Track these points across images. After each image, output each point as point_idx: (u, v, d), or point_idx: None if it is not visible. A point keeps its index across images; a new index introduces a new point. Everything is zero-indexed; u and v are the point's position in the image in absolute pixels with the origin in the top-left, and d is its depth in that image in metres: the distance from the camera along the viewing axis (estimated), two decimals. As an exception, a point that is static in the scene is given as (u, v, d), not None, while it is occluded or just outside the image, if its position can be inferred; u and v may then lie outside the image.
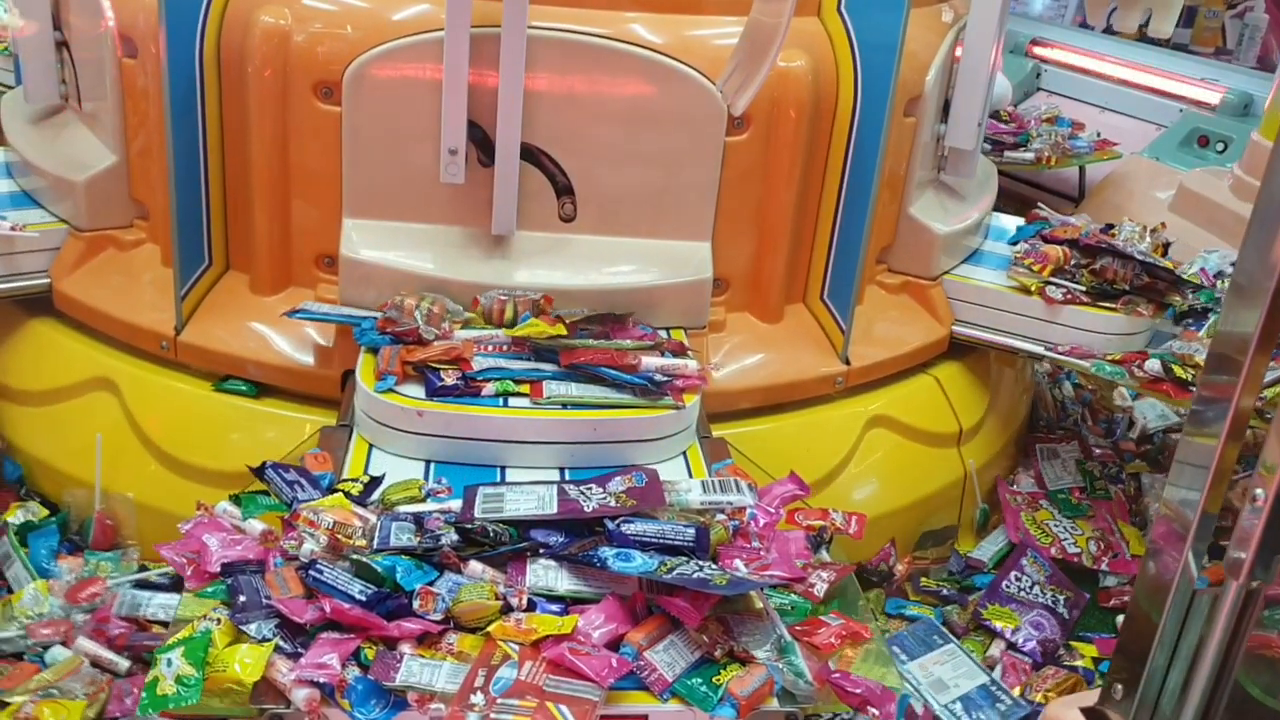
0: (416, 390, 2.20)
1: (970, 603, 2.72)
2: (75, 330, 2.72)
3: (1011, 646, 2.60)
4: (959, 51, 2.93)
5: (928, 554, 2.92)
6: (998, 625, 2.62)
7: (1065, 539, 2.93)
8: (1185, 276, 3.16)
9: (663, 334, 2.49)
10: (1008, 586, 2.72)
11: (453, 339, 2.31)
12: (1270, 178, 1.32)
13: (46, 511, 2.57)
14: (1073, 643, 2.65)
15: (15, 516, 2.52)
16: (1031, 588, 2.73)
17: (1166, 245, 3.15)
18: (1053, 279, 2.97)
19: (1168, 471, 1.56)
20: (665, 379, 2.26)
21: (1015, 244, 3.13)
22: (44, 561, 2.45)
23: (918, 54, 2.79)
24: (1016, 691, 2.46)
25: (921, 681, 2.46)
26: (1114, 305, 2.93)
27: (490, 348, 2.32)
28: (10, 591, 2.39)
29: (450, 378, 2.21)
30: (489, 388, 2.21)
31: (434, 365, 2.23)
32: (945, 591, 2.77)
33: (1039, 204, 3.40)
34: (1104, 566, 2.88)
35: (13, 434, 2.69)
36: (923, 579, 2.81)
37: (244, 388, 2.56)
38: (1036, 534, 2.93)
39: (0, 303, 2.77)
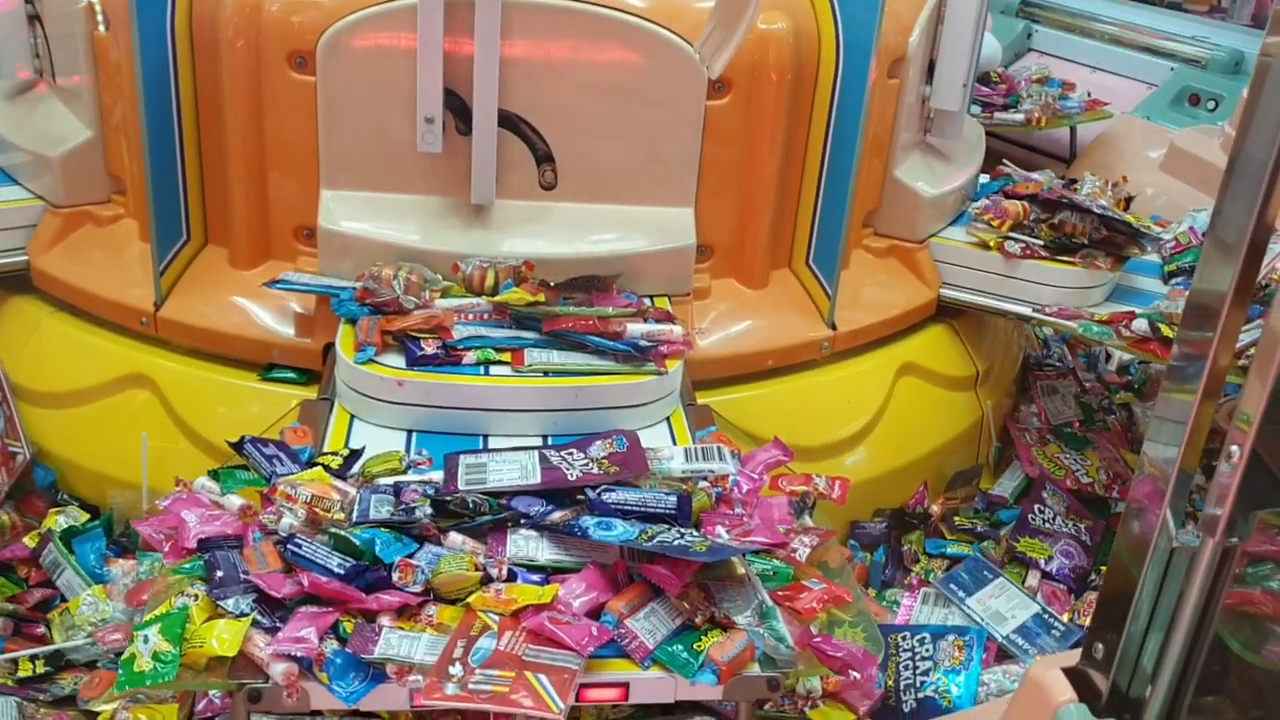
0: (397, 360, 2.18)
1: (1002, 537, 2.81)
2: (98, 327, 2.65)
3: (1046, 575, 2.69)
4: (944, 11, 2.90)
5: (957, 494, 3.02)
6: (1032, 556, 2.71)
7: (1077, 470, 3.00)
8: (1175, 235, 3.15)
9: (646, 301, 2.47)
10: (1033, 519, 2.82)
11: (433, 308, 2.30)
12: (1244, 133, 1.30)
13: (87, 515, 2.52)
14: (1101, 568, 2.73)
15: (57, 523, 2.46)
16: (1054, 519, 2.83)
17: (1129, 199, 3.15)
18: (1011, 234, 2.96)
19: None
20: (650, 344, 2.25)
21: (976, 200, 3.13)
22: (94, 566, 2.39)
23: (901, 14, 2.76)
24: (1066, 618, 2.54)
25: (983, 615, 2.54)
26: (1072, 259, 2.92)
27: (471, 316, 2.30)
28: (64, 600, 2.35)
29: (430, 347, 2.20)
30: (470, 356, 2.19)
31: (414, 334, 2.22)
32: (979, 528, 2.87)
33: (1003, 160, 3.37)
34: (1114, 494, 2.96)
35: (41, 438, 2.61)
36: (956, 518, 2.90)
37: (291, 375, 2.52)
38: (1050, 468, 3.01)
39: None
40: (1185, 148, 4.18)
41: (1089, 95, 4.76)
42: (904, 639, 2.37)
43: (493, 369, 2.19)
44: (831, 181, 2.71)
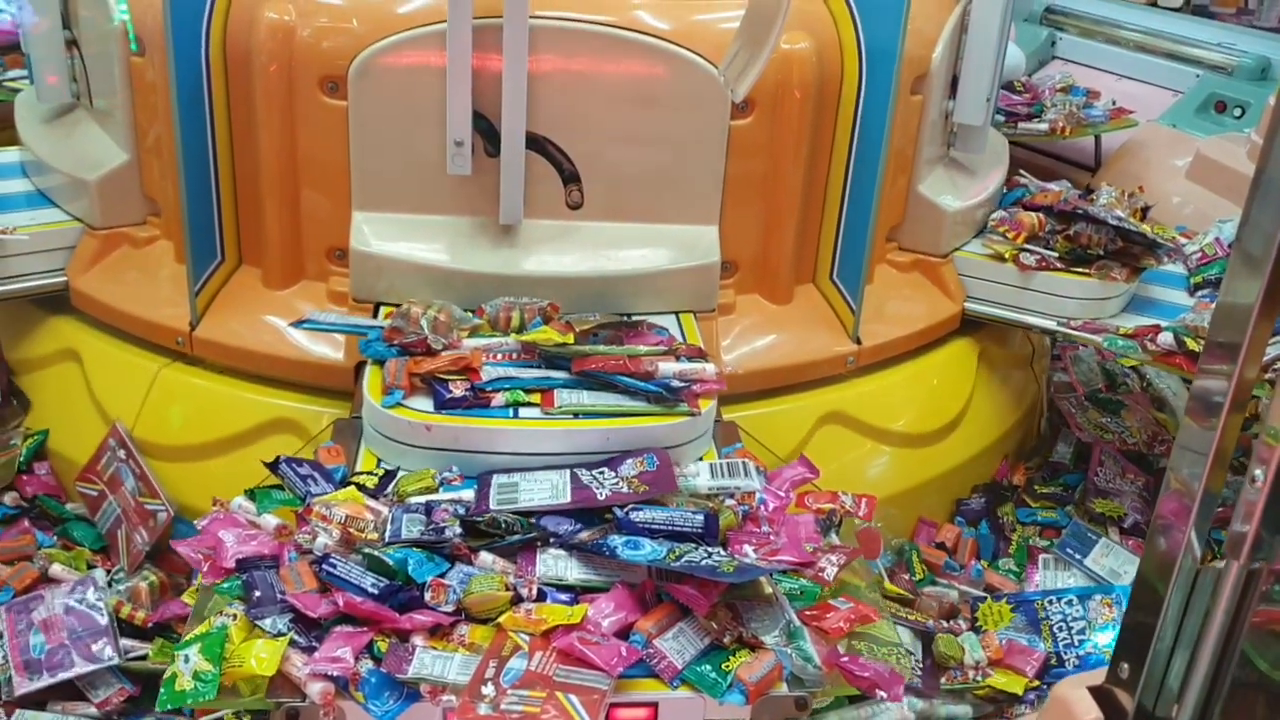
0: (425, 403, 2.15)
1: (1078, 500, 3.01)
2: (227, 376, 2.63)
3: (1124, 531, 2.88)
4: (968, 27, 2.91)
5: (1032, 464, 3.22)
6: (1110, 515, 2.91)
7: (1121, 431, 3.22)
8: (1201, 246, 3.14)
9: (677, 337, 2.44)
10: (1097, 481, 3.02)
11: (461, 348, 2.26)
12: (1272, 142, 1.30)
13: None
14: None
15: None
16: (1114, 479, 3.05)
17: (1145, 209, 3.14)
18: (1026, 246, 2.97)
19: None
20: (682, 385, 2.19)
21: (994, 212, 3.15)
22: None
23: (923, 30, 2.78)
24: None
25: (1103, 574, 2.74)
26: (1087, 270, 2.93)
27: (499, 356, 2.26)
28: None
29: (459, 389, 2.15)
30: (499, 398, 2.15)
31: (442, 376, 2.18)
32: (1058, 493, 3.06)
33: (1020, 171, 3.38)
34: (1156, 451, 3.16)
35: (178, 493, 2.55)
36: (1036, 487, 3.08)
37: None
38: (1097, 432, 3.21)
39: (20, 303, 2.81)
40: (1212, 156, 4.16)
41: (1114, 103, 4.74)
42: (1050, 604, 2.55)
43: (522, 411, 2.15)
44: (855, 197, 2.73)
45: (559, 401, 2.16)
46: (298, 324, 2.44)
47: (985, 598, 2.64)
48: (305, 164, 2.56)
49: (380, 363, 2.23)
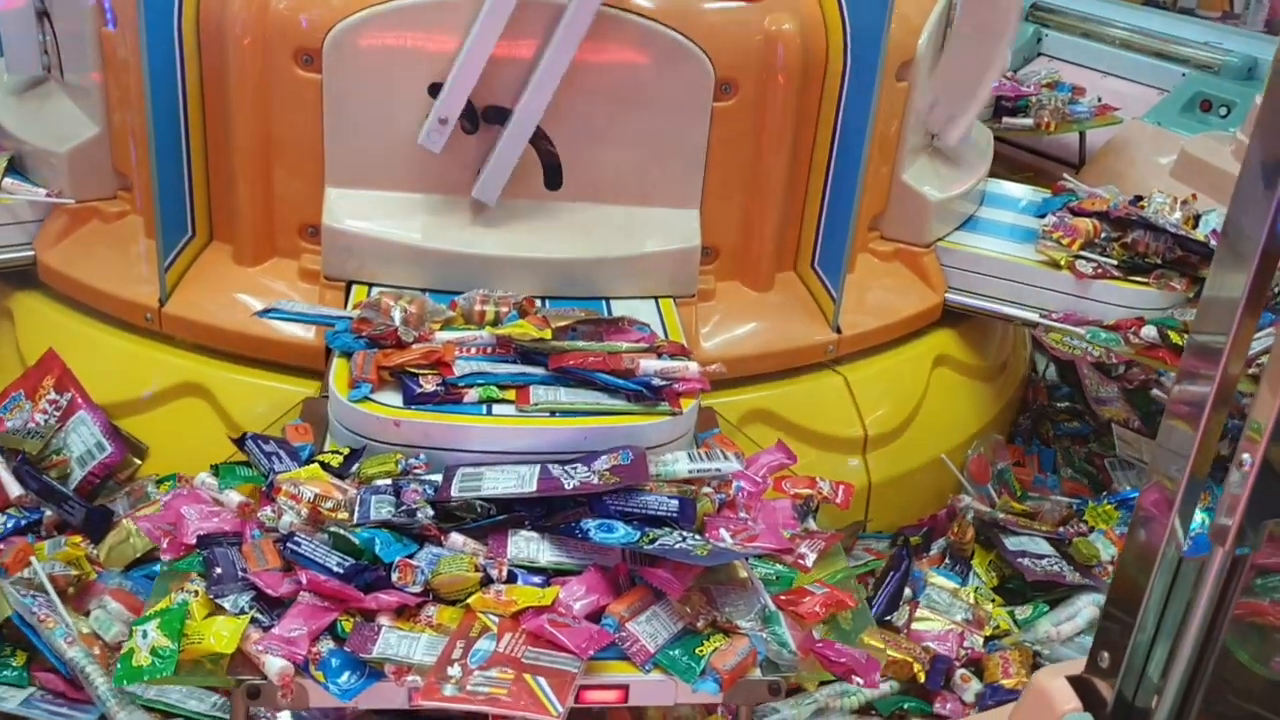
0: (394, 398, 2.06)
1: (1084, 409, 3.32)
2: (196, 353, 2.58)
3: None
4: (953, 15, 2.88)
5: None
6: (1118, 418, 3.16)
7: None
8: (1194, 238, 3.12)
9: (657, 327, 2.38)
10: (1088, 390, 3.30)
11: (433, 341, 2.17)
12: (1258, 139, 1.29)
13: None
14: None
15: None
16: (1098, 388, 3.28)
17: (1197, 217, 3.09)
18: (1083, 253, 2.91)
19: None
20: (664, 383, 2.11)
21: (1043, 216, 3.08)
22: None
23: (909, 16, 2.75)
24: None
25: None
26: (1146, 279, 2.88)
27: (473, 350, 2.17)
28: None
29: (430, 384, 2.06)
30: (471, 394, 2.06)
31: (412, 370, 2.09)
32: (1068, 406, 3.34)
33: (1064, 175, 3.35)
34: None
35: (145, 468, 2.48)
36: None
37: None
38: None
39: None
40: (1196, 154, 4.15)
41: (1099, 100, 4.73)
42: None
43: (495, 408, 2.06)
44: (838, 184, 2.70)
45: (535, 399, 2.06)
46: (263, 313, 2.37)
47: (1085, 503, 2.77)
48: (278, 139, 2.51)
49: (348, 355, 2.14)
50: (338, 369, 2.13)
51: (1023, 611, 2.45)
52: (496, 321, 2.27)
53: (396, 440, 2.02)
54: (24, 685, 1.96)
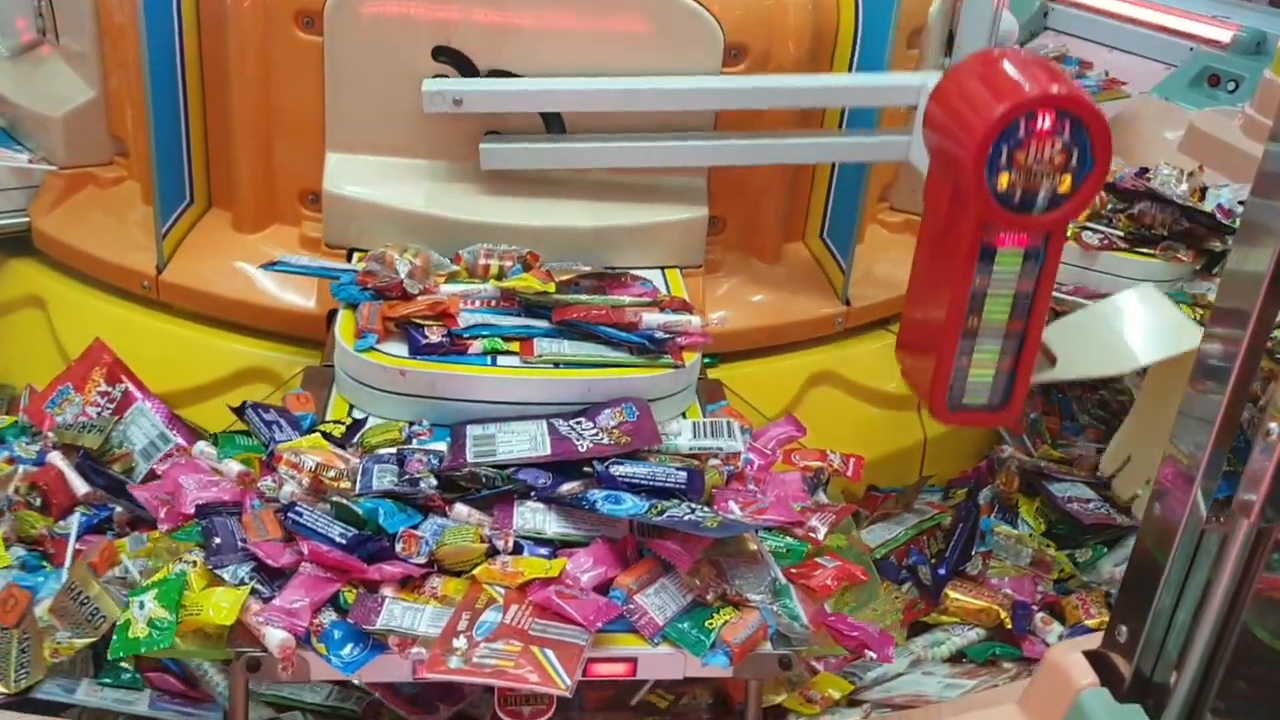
0: (400, 349, 2.08)
1: None
2: (195, 322, 2.54)
3: None
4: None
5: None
6: None
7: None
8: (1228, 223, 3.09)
9: (661, 289, 2.37)
10: None
11: (438, 293, 2.19)
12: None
13: None
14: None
15: None
16: None
17: (1204, 189, 3.07)
18: (1089, 224, 2.90)
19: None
20: (666, 336, 2.13)
21: None
22: None
23: (922, -17, 2.70)
24: None
25: None
26: (1152, 251, 2.87)
27: (478, 303, 2.19)
28: None
29: (435, 335, 2.08)
30: (476, 345, 2.08)
31: (417, 321, 2.10)
32: None
33: None
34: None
35: None
36: None
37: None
38: None
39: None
40: (1205, 129, 4.11)
41: (1107, 74, 4.69)
42: None
43: (500, 359, 2.08)
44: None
45: (539, 350, 2.09)
46: (267, 266, 2.36)
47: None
48: (278, 103, 2.46)
49: (353, 306, 2.16)
50: (343, 319, 2.14)
51: (1082, 554, 2.51)
52: (500, 276, 2.28)
53: (402, 390, 2.03)
54: (140, 688, 1.94)
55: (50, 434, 2.21)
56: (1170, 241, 2.87)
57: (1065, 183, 1.80)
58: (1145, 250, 2.87)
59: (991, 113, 1.76)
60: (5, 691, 1.75)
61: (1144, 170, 3.08)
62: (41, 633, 1.81)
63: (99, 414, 2.27)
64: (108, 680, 1.89)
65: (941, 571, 2.35)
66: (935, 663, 2.20)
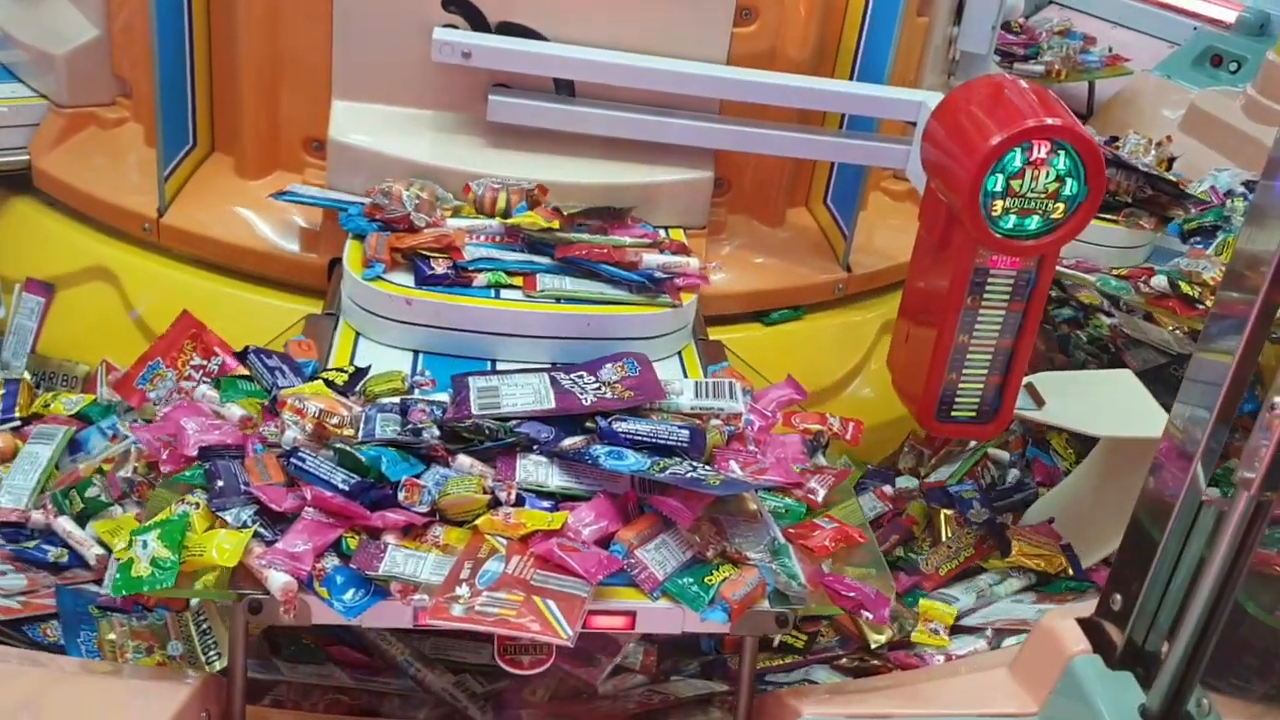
0: (406, 279, 2.12)
1: None
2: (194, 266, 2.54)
3: None
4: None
5: None
6: None
7: None
8: (1195, 194, 3.10)
9: (662, 233, 2.41)
10: None
11: (444, 227, 2.23)
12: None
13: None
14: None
15: None
16: None
17: (1171, 160, 3.09)
18: None
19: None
20: (665, 276, 2.19)
21: None
22: None
23: (933, -50, 2.69)
24: None
25: None
26: (1115, 217, 2.89)
27: (483, 237, 2.24)
28: None
29: (440, 266, 2.13)
30: (481, 278, 2.13)
31: (424, 253, 2.15)
32: None
33: None
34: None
35: None
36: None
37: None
38: None
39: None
40: (1205, 108, 4.13)
41: (1110, 50, 4.69)
42: None
43: (504, 293, 2.13)
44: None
45: (541, 285, 2.14)
46: (277, 195, 2.37)
47: None
48: (285, 49, 2.45)
49: (360, 237, 2.20)
50: (351, 249, 2.19)
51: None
52: (507, 212, 2.32)
53: (408, 319, 2.07)
54: (323, 662, 1.98)
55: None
56: (1133, 208, 2.89)
57: (1059, 210, 1.85)
58: (1108, 216, 2.89)
59: (988, 141, 1.80)
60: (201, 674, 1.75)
61: (1114, 139, 3.10)
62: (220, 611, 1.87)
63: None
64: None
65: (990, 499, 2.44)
66: (1009, 596, 2.27)
